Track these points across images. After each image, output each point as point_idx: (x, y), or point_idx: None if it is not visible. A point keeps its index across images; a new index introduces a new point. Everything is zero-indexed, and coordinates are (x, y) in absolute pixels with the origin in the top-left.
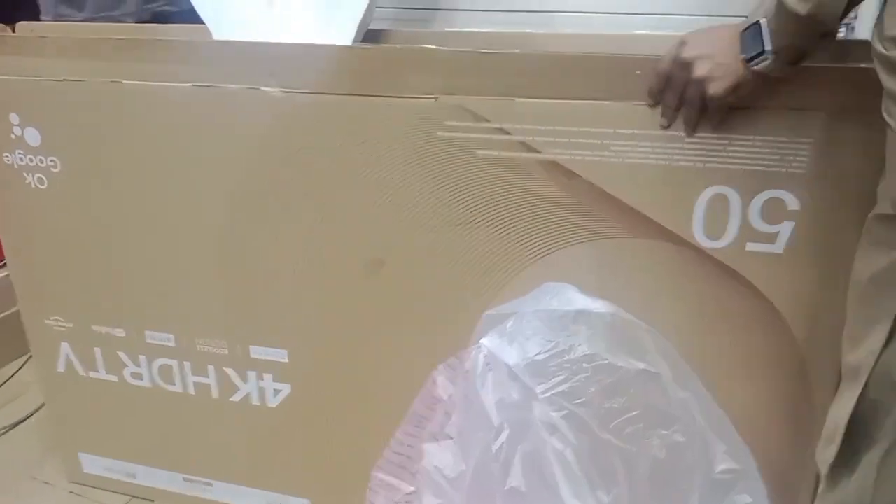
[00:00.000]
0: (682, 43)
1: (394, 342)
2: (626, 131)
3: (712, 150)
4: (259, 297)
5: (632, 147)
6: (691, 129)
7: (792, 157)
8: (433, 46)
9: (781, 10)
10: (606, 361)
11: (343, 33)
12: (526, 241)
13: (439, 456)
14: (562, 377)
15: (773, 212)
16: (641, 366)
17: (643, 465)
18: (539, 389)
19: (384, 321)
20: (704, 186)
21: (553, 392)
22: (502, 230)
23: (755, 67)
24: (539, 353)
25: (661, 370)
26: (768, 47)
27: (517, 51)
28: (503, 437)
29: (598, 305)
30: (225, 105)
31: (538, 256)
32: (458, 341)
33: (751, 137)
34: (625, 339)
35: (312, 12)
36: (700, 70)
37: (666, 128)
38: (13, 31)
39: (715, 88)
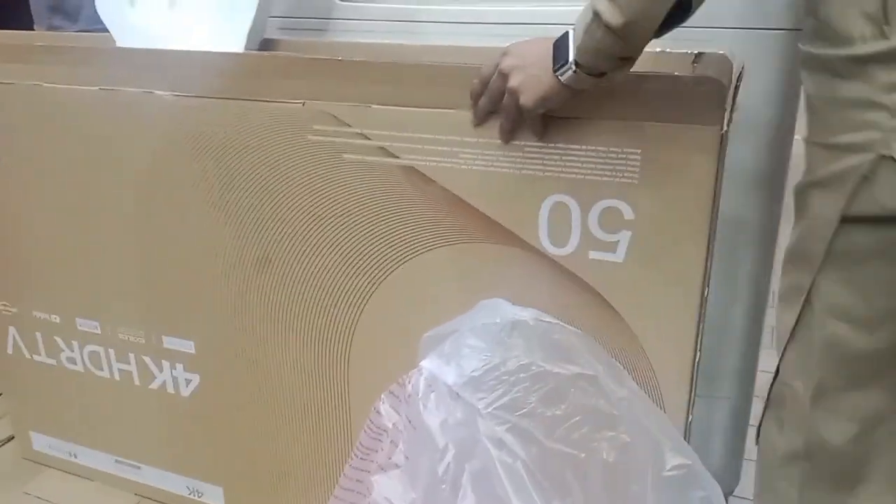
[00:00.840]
0: (504, 53)
1: (285, 335)
2: (472, 139)
3: (550, 159)
4: (167, 289)
5: (478, 155)
6: (505, 137)
7: (623, 168)
8: (298, 54)
9: (593, 20)
10: (542, 369)
11: (235, 41)
12: (394, 242)
13: (388, 486)
14: (501, 390)
15: (611, 221)
16: (577, 369)
17: (594, 469)
18: (481, 405)
19: (275, 315)
20: (546, 195)
21: (495, 406)
22: (370, 232)
23: (561, 78)
24: (476, 370)
25: (597, 371)
26: (571, 58)
27: (372, 60)
28: (449, 457)
29: (529, 314)
30: (126, 107)
31: (406, 259)
32: (343, 335)
33: (583, 147)
34: (558, 344)
35: (207, 24)
36: (513, 80)
37: (476, 126)
38: None
39: (525, 99)
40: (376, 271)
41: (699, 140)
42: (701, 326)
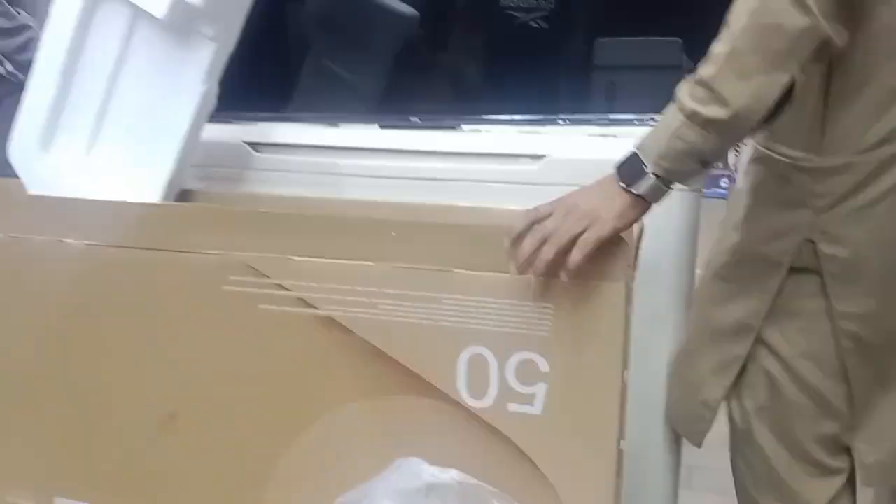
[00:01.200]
0: (536, 209)
1: (190, 496)
2: (391, 291)
3: (468, 311)
4: (62, 446)
5: (397, 306)
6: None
7: (537, 321)
8: (218, 206)
9: (685, 123)
10: None
11: (153, 191)
12: (310, 395)
13: None
14: None
15: (527, 373)
16: None
17: None
18: None
19: (179, 475)
20: (464, 346)
21: None
22: (286, 384)
23: (636, 190)
24: None
25: None
26: (649, 169)
27: (291, 212)
28: None
29: (446, 476)
30: (33, 255)
31: (321, 413)
32: (252, 497)
33: (499, 301)
34: None
35: (124, 172)
36: (577, 214)
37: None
38: None
39: (602, 224)
40: (290, 427)
41: (607, 295)
42: (620, 480)
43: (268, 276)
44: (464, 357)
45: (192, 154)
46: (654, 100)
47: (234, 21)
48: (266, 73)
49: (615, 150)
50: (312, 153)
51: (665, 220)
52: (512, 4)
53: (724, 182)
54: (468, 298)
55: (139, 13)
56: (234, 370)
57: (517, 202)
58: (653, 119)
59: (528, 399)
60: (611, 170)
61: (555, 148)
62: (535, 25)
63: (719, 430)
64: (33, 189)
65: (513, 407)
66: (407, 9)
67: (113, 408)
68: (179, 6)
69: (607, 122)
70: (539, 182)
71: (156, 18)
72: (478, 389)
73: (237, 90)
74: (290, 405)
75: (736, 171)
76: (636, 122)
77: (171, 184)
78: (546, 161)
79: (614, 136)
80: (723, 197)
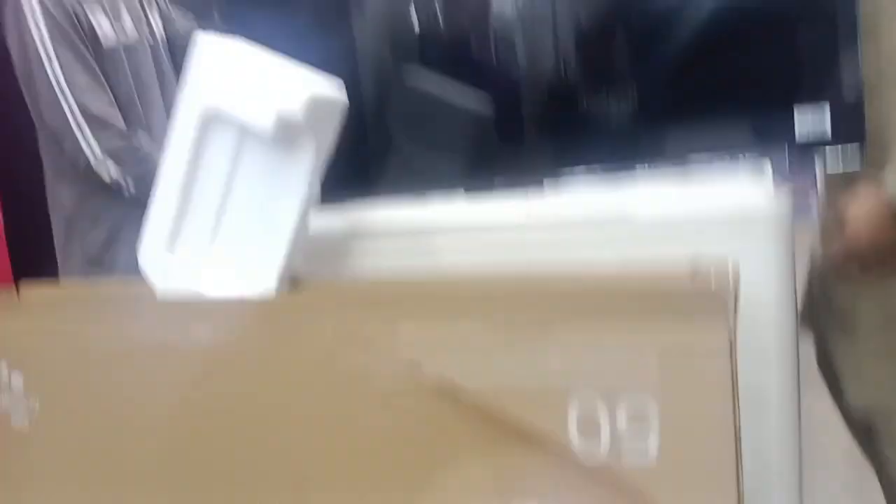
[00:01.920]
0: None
1: None
2: (498, 348)
3: (573, 360)
4: None
5: (502, 361)
6: None
7: (645, 368)
8: (327, 286)
9: None
10: None
11: (266, 283)
12: (425, 458)
13: None
14: None
15: (639, 422)
16: None
17: None
18: None
19: None
20: (572, 396)
21: None
22: (400, 450)
23: None
24: None
25: None
26: None
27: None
28: None
29: None
30: (162, 352)
31: (435, 474)
32: None
33: (604, 346)
34: None
35: (240, 270)
36: None
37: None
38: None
39: None
40: (407, 490)
41: (711, 348)
42: None
43: (377, 347)
44: (573, 406)
45: (301, 245)
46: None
47: (331, 129)
48: (362, 162)
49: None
50: (407, 233)
51: (758, 250)
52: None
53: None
54: (575, 346)
55: (246, 131)
56: (353, 439)
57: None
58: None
59: (641, 450)
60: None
61: (641, 206)
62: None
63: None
64: (161, 287)
65: (626, 458)
66: (481, 107)
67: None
68: (282, 123)
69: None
70: (632, 239)
71: (262, 134)
72: (589, 440)
73: (336, 180)
74: (404, 470)
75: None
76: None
77: (282, 274)
78: (636, 220)
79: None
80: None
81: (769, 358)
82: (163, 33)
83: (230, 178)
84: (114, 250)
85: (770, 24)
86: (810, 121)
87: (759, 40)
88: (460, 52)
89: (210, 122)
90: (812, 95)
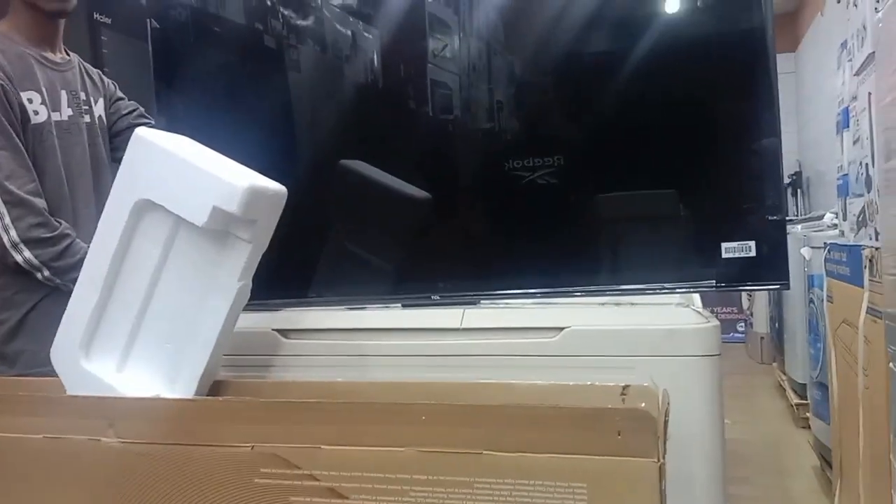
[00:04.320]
0: None
1: None
2: (421, 476)
3: (500, 494)
4: None
5: (429, 492)
6: None
7: (572, 501)
8: (248, 399)
9: None
10: None
11: (186, 386)
12: None
13: None
14: None
15: None
16: None
17: None
18: None
19: None
20: None
21: None
22: None
23: None
24: None
25: None
26: None
27: (321, 400)
28: None
29: None
30: (72, 454)
31: None
32: None
33: (531, 482)
34: None
35: (158, 372)
36: None
37: None
38: None
39: None
40: None
41: (640, 472)
42: None
43: (298, 467)
44: None
45: (225, 346)
46: (658, 259)
47: (269, 223)
48: (292, 261)
49: (633, 319)
50: (338, 336)
51: (687, 382)
52: (517, 165)
53: (740, 326)
54: (500, 481)
55: (181, 221)
56: None
57: (541, 376)
58: (664, 287)
59: None
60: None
61: (574, 320)
62: (542, 182)
63: None
64: (73, 390)
65: None
66: (419, 192)
67: None
68: (218, 214)
69: (619, 292)
70: (561, 354)
71: (195, 225)
72: None
73: (266, 279)
74: None
75: (751, 314)
76: (648, 291)
77: (204, 377)
78: (566, 333)
79: (630, 303)
80: (740, 341)
81: (699, 494)
82: (102, 117)
83: (157, 274)
84: (23, 340)
85: (699, 168)
86: (737, 259)
87: (690, 181)
88: (401, 149)
89: (142, 213)
90: (739, 234)
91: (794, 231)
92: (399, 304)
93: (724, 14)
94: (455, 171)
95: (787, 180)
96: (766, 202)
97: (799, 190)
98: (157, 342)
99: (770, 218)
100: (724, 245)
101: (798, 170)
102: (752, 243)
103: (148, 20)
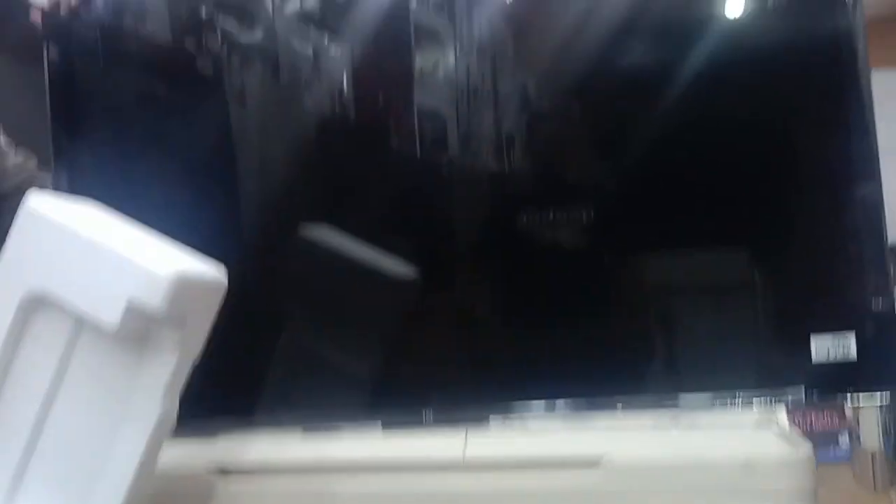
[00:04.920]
0: None
1: None
2: None
3: None
4: None
5: None
6: None
7: None
8: None
9: None
10: None
11: None
12: None
13: None
14: None
15: None
16: None
17: None
18: None
19: None
20: None
21: None
22: None
23: None
24: None
25: None
26: None
27: None
28: None
29: None
30: None
31: None
32: None
33: None
34: None
35: None
36: None
37: None
38: None
39: None
40: None
41: None
42: None
43: None
44: None
45: (145, 489)
46: (726, 357)
47: (202, 322)
48: (233, 369)
49: (696, 446)
50: (296, 475)
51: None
52: (534, 220)
53: (843, 440)
54: None
55: (84, 322)
56: None
57: None
58: (735, 397)
59: None
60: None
61: (616, 447)
62: (566, 245)
63: None
64: None
65: None
66: (404, 268)
67: None
68: (135, 312)
69: (674, 404)
70: (601, 492)
71: (104, 328)
72: None
73: (198, 396)
74: None
75: (858, 425)
76: (715, 402)
77: None
78: (606, 466)
79: (689, 427)
80: (843, 461)
81: None
82: None
83: (52, 393)
84: None
85: (772, 229)
86: (832, 358)
87: (761, 248)
88: (379, 207)
89: (33, 311)
90: (833, 323)
91: None
92: (378, 425)
93: (797, 21)
94: (451, 235)
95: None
96: (867, 279)
97: None
98: (52, 485)
99: (874, 301)
100: (813, 339)
101: None
102: (852, 337)
103: (44, 44)
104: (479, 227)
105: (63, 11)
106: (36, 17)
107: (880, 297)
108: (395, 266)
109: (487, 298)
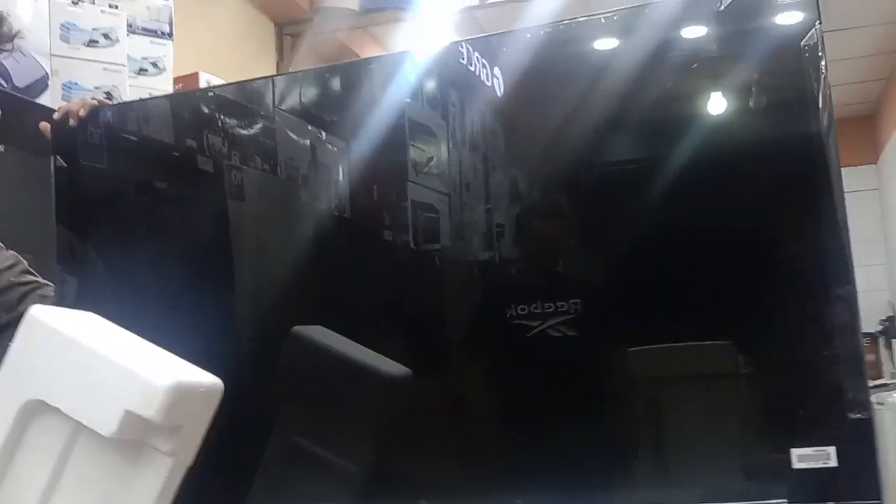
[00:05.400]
0: None
1: None
2: None
3: None
4: None
5: None
6: None
7: None
8: None
9: None
10: None
11: None
12: None
13: None
14: None
15: None
16: None
17: None
18: None
19: None
20: None
21: None
22: None
23: None
24: None
25: None
26: None
27: None
28: None
29: None
30: None
31: None
32: None
33: None
34: None
35: None
36: None
37: None
38: None
39: None
40: None
41: None
42: None
43: None
44: None
45: None
46: (711, 465)
47: (197, 430)
48: (223, 472)
49: None
50: None
51: None
52: (521, 311)
53: None
54: None
55: (81, 429)
56: None
57: None
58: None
59: None
60: None
61: None
62: (554, 334)
63: None
64: None
65: None
66: (396, 368)
67: None
68: (131, 421)
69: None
70: None
71: (101, 434)
72: None
73: (186, 500)
74: None
75: None
76: None
77: None
78: None
79: None
80: None
81: None
82: None
83: (49, 491)
84: None
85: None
86: (814, 469)
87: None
88: (372, 303)
89: (32, 417)
90: (813, 437)
91: (891, 401)
92: None
93: (773, 129)
94: (443, 330)
95: (878, 327)
96: (845, 392)
97: (894, 340)
98: None
99: (852, 416)
100: (794, 452)
101: (892, 313)
102: (832, 450)
103: (52, 157)
104: (470, 319)
105: (72, 122)
106: (45, 127)
107: (858, 414)
108: (386, 364)
109: (478, 392)
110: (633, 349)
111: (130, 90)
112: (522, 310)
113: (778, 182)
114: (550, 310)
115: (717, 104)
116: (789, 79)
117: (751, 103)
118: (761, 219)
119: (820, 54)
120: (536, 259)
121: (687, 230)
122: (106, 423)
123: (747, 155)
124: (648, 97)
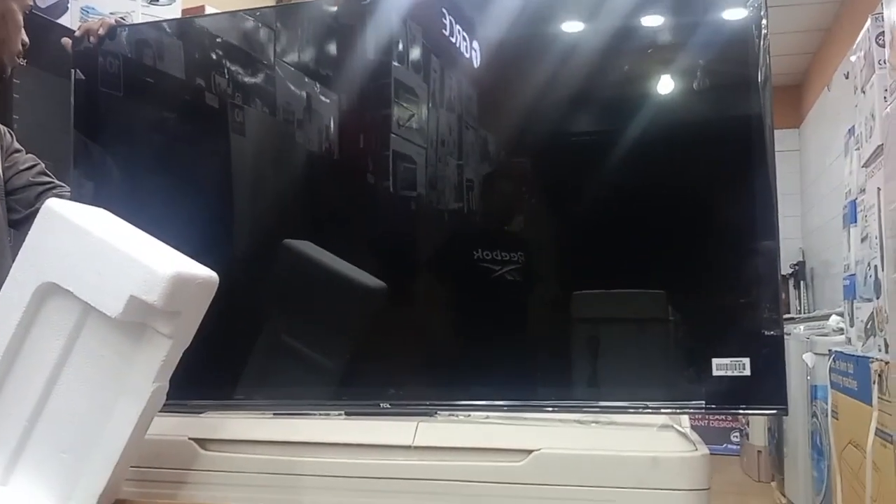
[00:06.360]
0: None
1: None
2: None
3: None
4: None
5: None
6: None
7: None
8: None
9: None
10: None
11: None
12: None
13: None
14: None
15: None
16: None
17: None
18: None
19: None
20: None
21: None
22: None
23: None
24: None
25: None
26: None
27: None
28: None
29: None
30: None
31: None
32: None
33: None
34: None
35: (50, 486)
36: None
37: None
38: None
39: None
40: None
41: None
42: None
43: None
44: None
45: (133, 458)
46: (642, 373)
47: (194, 316)
48: (217, 355)
49: (612, 444)
50: (266, 450)
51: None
52: (486, 255)
53: (735, 436)
54: None
55: (90, 310)
56: None
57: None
58: (646, 406)
59: None
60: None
61: (545, 441)
62: (510, 278)
63: None
64: None
65: None
66: (374, 281)
67: None
68: (135, 304)
69: (597, 409)
70: (529, 482)
71: (108, 315)
72: None
73: (182, 377)
74: None
75: (748, 424)
76: (630, 409)
77: (105, 494)
78: (535, 457)
79: (611, 423)
80: (734, 454)
81: None
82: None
83: (58, 369)
84: None
85: (686, 271)
86: (730, 377)
87: (676, 285)
88: (355, 229)
89: (46, 298)
90: (732, 349)
91: (797, 332)
92: (341, 413)
93: (717, 100)
94: (416, 257)
95: (789, 270)
96: (763, 315)
97: (802, 282)
98: (52, 450)
99: (766, 333)
100: (714, 361)
101: (801, 259)
102: (747, 361)
103: (72, 70)
104: (438, 254)
105: (92, 39)
106: (67, 42)
107: (772, 331)
108: (364, 277)
109: (442, 313)
110: (577, 292)
111: (142, 18)
112: (486, 255)
113: (718, 145)
114: (507, 258)
115: (660, 66)
116: (734, 45)
117: (695, 69)
118: (701, 178)
119: (763, 22)
120: (496, 214)
121: (634, 191)
122: (112, 305)
123: (689, 120)
124: (592, 59)
